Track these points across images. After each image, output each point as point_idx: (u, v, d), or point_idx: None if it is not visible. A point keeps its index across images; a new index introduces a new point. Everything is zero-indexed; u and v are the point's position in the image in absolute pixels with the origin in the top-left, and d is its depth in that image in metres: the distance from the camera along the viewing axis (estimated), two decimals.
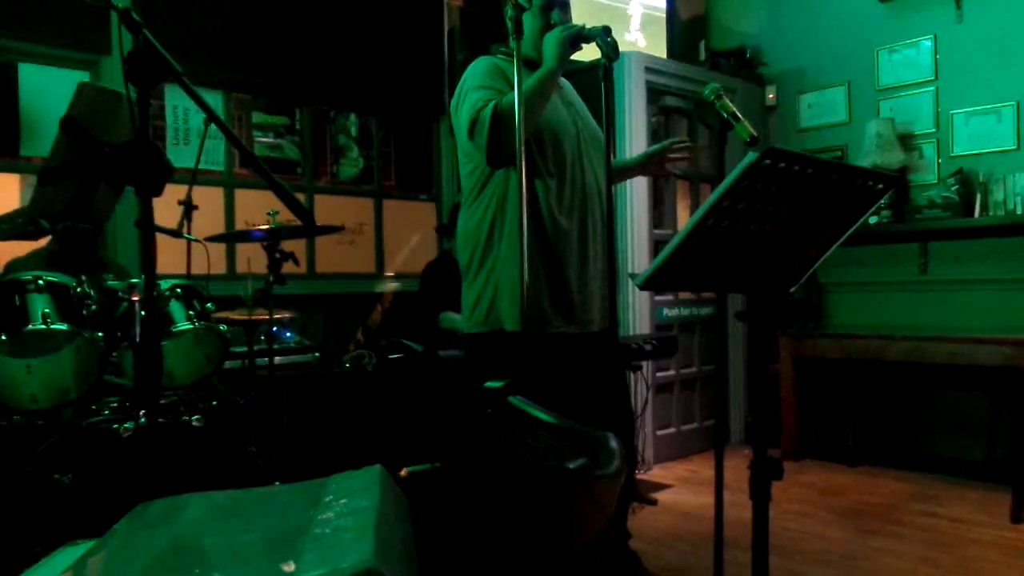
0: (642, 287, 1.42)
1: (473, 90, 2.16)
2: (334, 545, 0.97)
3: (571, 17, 2.31)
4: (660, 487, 3.85)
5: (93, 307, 2.40)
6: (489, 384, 1.48)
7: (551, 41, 2.10)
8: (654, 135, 4.30)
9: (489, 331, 2.22)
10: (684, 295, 4.59)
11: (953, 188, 4.08)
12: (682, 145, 2.46)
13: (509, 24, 1.99)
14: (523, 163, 1.94)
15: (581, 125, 2.34)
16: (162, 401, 2.52)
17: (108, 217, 2.97)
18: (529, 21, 2.25)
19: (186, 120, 3.81)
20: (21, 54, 3.41)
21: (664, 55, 4.64)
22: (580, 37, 2.09)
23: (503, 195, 2.21)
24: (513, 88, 2.09)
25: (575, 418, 1.36)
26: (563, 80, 2.40)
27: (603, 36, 2.03)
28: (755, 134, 1.94)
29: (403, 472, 1.42)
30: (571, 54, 2.12)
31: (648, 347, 3.44)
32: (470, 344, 2.31)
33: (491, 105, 2.07)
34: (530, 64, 2.18)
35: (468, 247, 2.28)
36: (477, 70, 2.23)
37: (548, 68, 2.09)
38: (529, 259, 2.17)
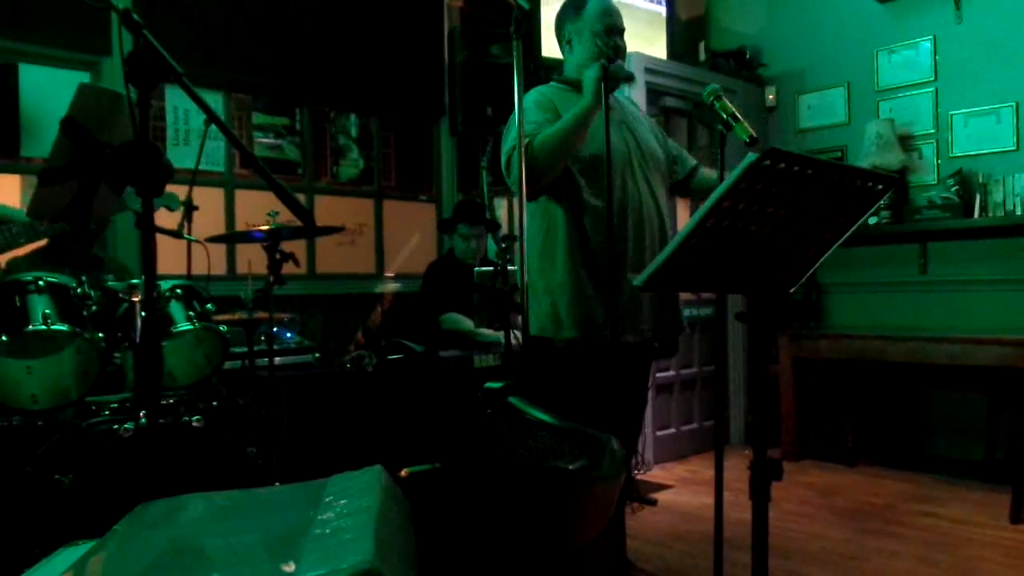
0: (642, 288, 1.42)
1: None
2: (334, 546, 0.98)
3: (625, 44, 2.39)
4: (660, 487, 3.85)
5: (94, 308, 2.40)
6: (489, 385, 1.49)
7: (587, 78, 2.19)
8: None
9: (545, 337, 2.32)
10: (684, 295, 4.58)
11: (953, 189, 4.08)
12: None
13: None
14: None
15: (633, 145, 2.39)
16: (162, 402, 2.52)
17: (108, 218, 2.97)
18: (583, 45, 2.37)
19: (186, 121, 3.81)
20: (21, 55, 3.41)
21: (664, 56, 4.63)
22: (611, 79, 2.18)
23: (551, 225, 2.33)
24: (560, 117, 2.24)
25: (599, 419, 1.36)
26: (620, 98, 2.48)
27: (628, 79, 2.22)
28: (754, 135, 1.95)
29: (403, 472, 1.43)
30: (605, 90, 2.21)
31: None
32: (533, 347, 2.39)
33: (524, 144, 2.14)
34: (578, 86, 2.26)
35: (533, 253, 2.35)
36: (527, 105, 2.30)
37: (584, 105, 2.17)
38: (581, 285, 2.28)
